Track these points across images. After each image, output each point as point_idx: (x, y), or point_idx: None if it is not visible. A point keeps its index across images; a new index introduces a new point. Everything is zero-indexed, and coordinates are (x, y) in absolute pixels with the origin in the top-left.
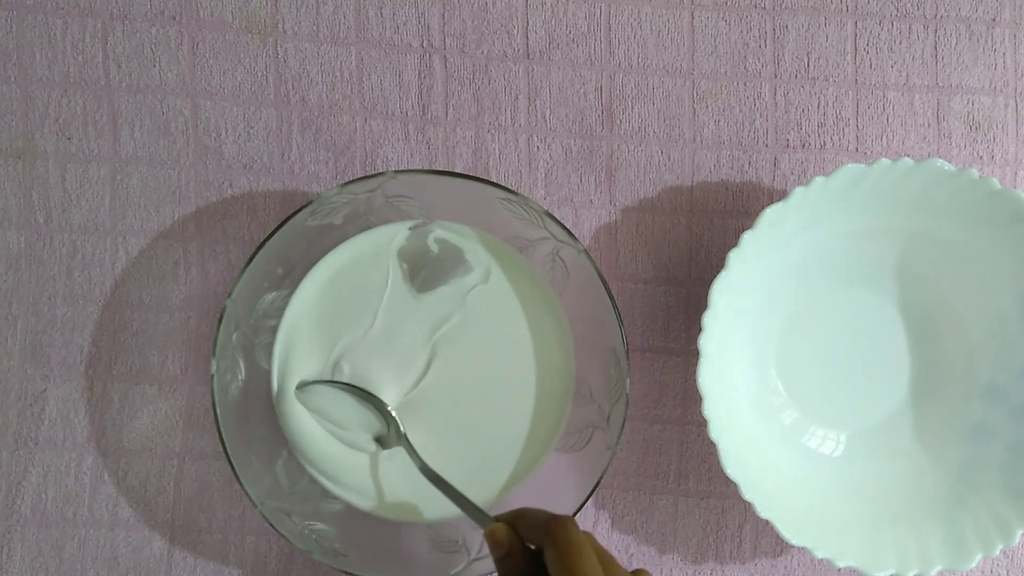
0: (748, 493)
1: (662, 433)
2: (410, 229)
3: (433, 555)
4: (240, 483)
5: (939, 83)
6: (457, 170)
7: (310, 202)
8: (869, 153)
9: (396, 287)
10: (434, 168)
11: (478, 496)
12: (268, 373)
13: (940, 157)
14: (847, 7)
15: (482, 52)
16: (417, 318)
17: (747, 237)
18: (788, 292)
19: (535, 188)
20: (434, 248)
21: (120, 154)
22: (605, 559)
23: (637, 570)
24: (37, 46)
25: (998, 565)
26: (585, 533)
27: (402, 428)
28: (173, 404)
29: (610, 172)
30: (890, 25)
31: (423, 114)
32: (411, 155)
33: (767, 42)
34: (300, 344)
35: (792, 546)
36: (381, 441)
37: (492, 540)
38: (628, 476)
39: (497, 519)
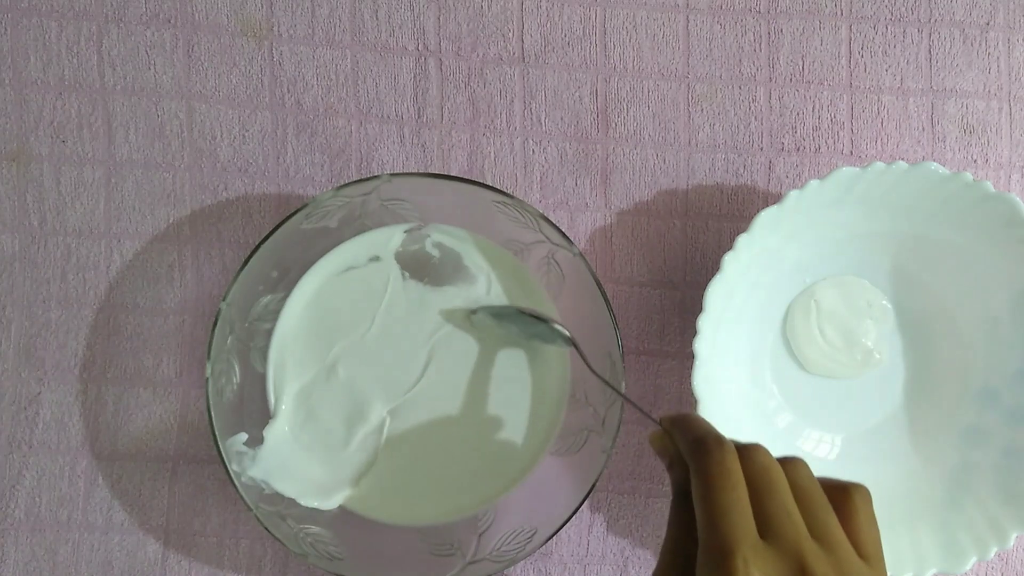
0: None
1: None
2: (405, 232)
3: (428, 559)
4: (235, 487)
5: (933, 87)
6: (452, 173)
7: (305, 205)
8: (863, 156)
9: (395, 292)
10: (429, 171)
11: (473, 499)
12: (263, 377)
13: (934, 160)
14: (841, 11)
15: (477, 55)
16: (414, 322)
17: (742, 240)
18: (783, 295)
19: (530, 191)
20: (435, 253)
21: (115, 157)
22: (807, 497)
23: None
24: (32, 48)
25: (992, 568)
26: (790, 461)
27: (567, 332)
28: (167, 407)
29: (605, 175)
30: (884, 29)
31: (418, 117)
32: (406, 158)
33: (762, 46)
34: (295, 347)
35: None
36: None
37: (653, 447)
38: (623, 479)
39: (661, 422)
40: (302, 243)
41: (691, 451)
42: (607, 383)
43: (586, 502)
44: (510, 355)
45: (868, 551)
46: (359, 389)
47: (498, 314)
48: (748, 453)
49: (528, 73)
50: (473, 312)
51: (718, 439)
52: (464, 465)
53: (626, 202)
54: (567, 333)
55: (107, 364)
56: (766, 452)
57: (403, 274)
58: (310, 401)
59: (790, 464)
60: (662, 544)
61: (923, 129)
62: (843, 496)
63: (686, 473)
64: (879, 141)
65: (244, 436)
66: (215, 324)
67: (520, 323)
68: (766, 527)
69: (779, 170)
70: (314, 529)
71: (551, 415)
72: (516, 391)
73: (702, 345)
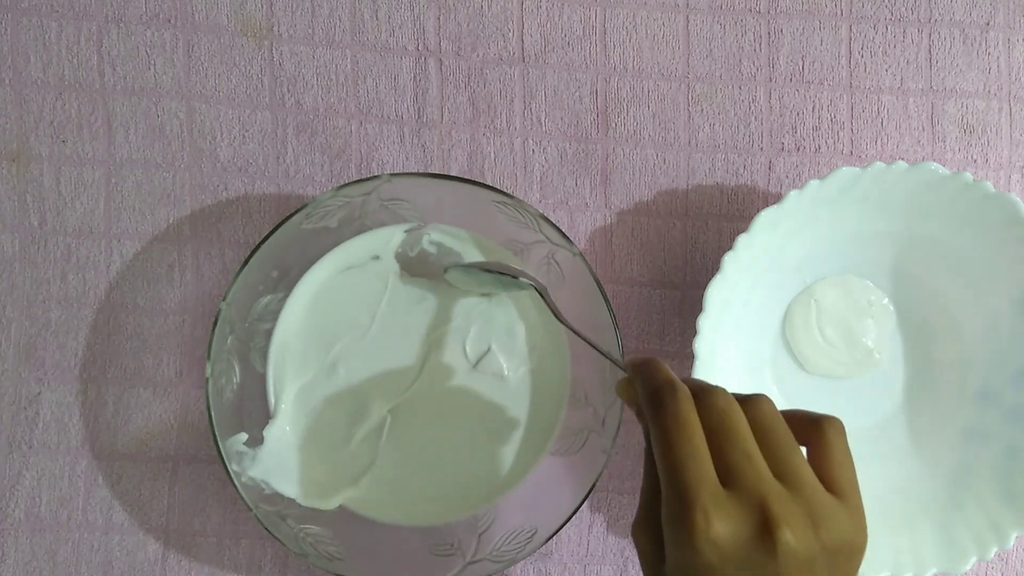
0: None
1: None
2: (405, 232)
3: (428, 558)
4: (235, 487)
5: (933, 87)
6: (452, 173)
7: (305, 205)
8: (863, 156)
9: (395, 291)
10: (429, 171)
11: (473, 499)
12: (263, 377)
13: (934, 160)
14: (841, 11)
15: (477, 55)
16: (414, 322)
17: (742, 240)
18: (783, 295)
19: (530, 191)
20: (431, 250)
21: (115, 157)
22: (770, 437)
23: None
24: (32, 48)
25: (992, 568)
26: (751, 399)
27: (531, 281)
28: (168, 407)
29: (605, 175)
30: (884, 29)
31: (418, 117)
32: (406, 158)
33: (762, 46)
34: (295, 347)
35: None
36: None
37: (621, 397)
38: (623, 479)
39: (627, 367)
40: (302, 243)
41: (647, 404)
42: (573, 330)
43: (586, 502)
44: (509, 356)
45: (841, 486)
46: (360, 387)
47: (467, 270)
48: (705, 398)
49: (528, 73)
50: (445, 271)
51: (672, 388)
52: (464, 465)
53: (626, 202)
54: (531, 282)
55: (107, 364)
56: (724, 394)
57: (402, 274)
58: (311, 400)
59: (751, 403)
60: (639, 494)
61: (923, 129)
62: (814, 430)
63: None
64: (879, 141)
65: (244, 436)
66: (215, 324)
67: (490, 278)
68: (727, 474)
69: (779, 170)
70: (314, 529)
71: (551, 415)
72: (515, 391)
73: (702, 345)
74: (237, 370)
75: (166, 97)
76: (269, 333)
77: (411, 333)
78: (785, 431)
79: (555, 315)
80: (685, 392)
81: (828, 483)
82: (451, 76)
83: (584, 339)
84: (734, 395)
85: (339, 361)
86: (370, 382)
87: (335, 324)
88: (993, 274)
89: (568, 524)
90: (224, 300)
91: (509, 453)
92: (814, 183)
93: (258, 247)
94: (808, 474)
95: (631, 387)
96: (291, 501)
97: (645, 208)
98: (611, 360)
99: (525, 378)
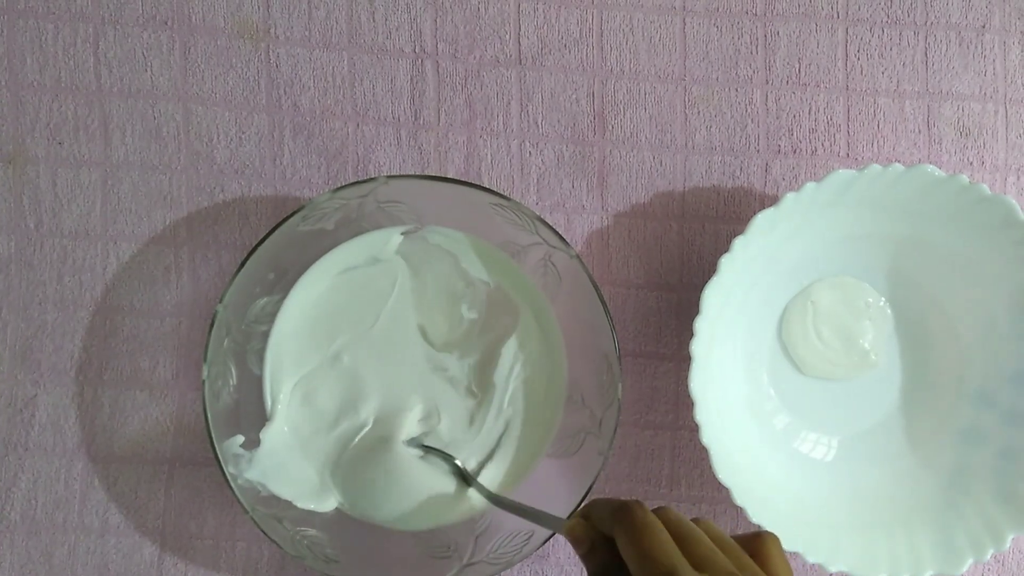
0: (740, 498)
1: (654, 438)
2: (402, 234)
3: (425, 561)
4: (231, 489)
5: (929, 89)
6: (449, 175)
7: (302, 207)
8: (860, 159)
9: (402, 292)
10: (426, 173)
11: (471, 501)
12: (259, 379)
13: (930, 163)
14: (838, 13)
15: (474, 57)
16: (416, 323)
17: (739, 242)
18: (779, 297)
19: (527, 193)
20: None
21: (111, 159)
22: (723, 544)
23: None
24: (28, 50)
25: (989, 570)
26: (699, 519)
27: (466, 469)
28: (164, 410)
29: (602, 177)
30: (881, 32)
31: (415, 119)
32: (403, 160)
33: (758, 48)
34: (292, 349)
35: (784, 551)
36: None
37: (571, 538)
38: (620, 481)
39: (581, 510)
40: (299, 245)
41: (615, 514)
42: (507, 505)
43: (583, 504)
44: (508, 357)
45: None
46: (360, 376)
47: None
48: (662, 511)
49: (525, 75)
50: (406, 442)
51: (636, 502)
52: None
53: (623, 204)
54: (460, 467)
55: (103, 366)
56: (675, 510)
57: (412, 282)
58: (308, 386)
59: (700, 521)
60: None
61: (919, 131)
62: (757, 543)
63: (606, 556)
64: (875, 143)
65: (241, 438)
66: (211, 326)
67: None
68: (698, 564)
69: (775, 172)
70: (310, 531)
71: (548, 417)
72: (512, 393)
73: (699, 347)
74: (233, 372)
75: (163, 99)
76: (266, 335)
77: (412, 334)
78: (732, 542)
79: (486, 493)
80: (646, 506)
81: None
82: (448, 78)
83: (512, 506)
84: None
85: (343, 351)
86: (372, 373)
87: (337, 322)
88: (989, 275)
89: None
90: (220, 302)
91: (506, 455)
92: (810, 185)
93: (255, 249)
94: (760, 571)
95: (581, 525)
96: (288, 503)
97: (642, 210)
98: (545, 523)
99: (522, 381)
